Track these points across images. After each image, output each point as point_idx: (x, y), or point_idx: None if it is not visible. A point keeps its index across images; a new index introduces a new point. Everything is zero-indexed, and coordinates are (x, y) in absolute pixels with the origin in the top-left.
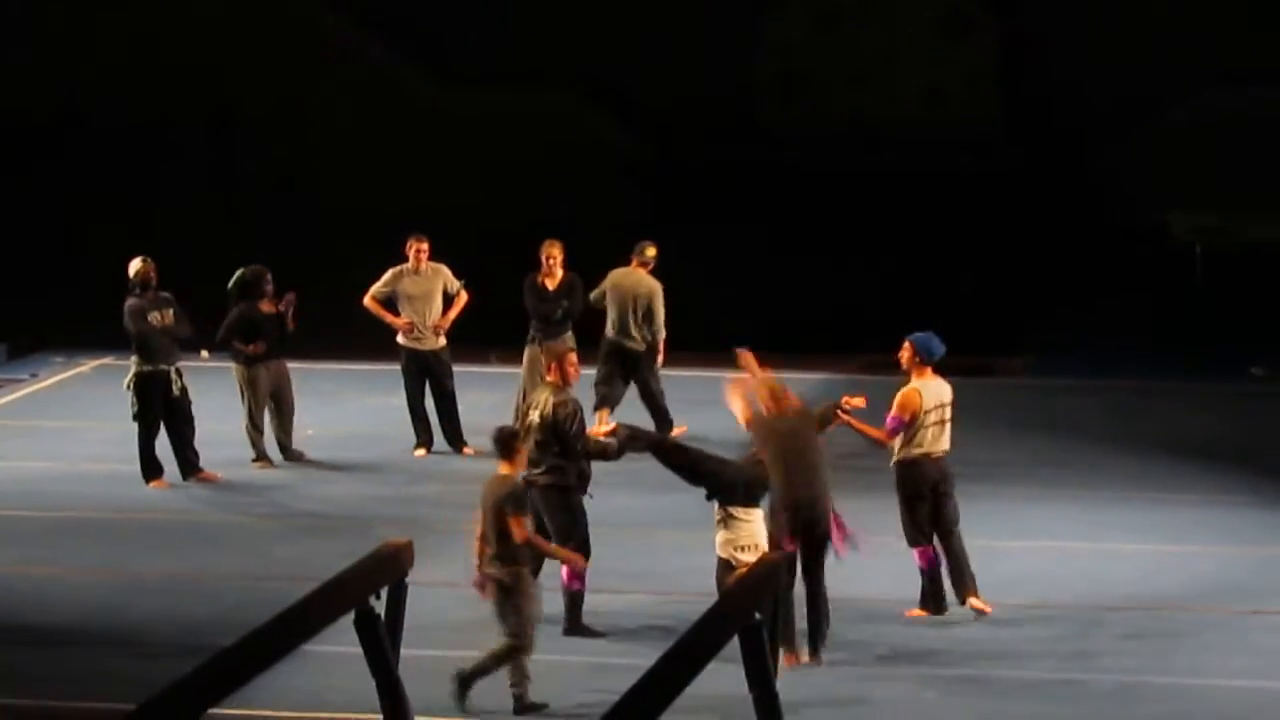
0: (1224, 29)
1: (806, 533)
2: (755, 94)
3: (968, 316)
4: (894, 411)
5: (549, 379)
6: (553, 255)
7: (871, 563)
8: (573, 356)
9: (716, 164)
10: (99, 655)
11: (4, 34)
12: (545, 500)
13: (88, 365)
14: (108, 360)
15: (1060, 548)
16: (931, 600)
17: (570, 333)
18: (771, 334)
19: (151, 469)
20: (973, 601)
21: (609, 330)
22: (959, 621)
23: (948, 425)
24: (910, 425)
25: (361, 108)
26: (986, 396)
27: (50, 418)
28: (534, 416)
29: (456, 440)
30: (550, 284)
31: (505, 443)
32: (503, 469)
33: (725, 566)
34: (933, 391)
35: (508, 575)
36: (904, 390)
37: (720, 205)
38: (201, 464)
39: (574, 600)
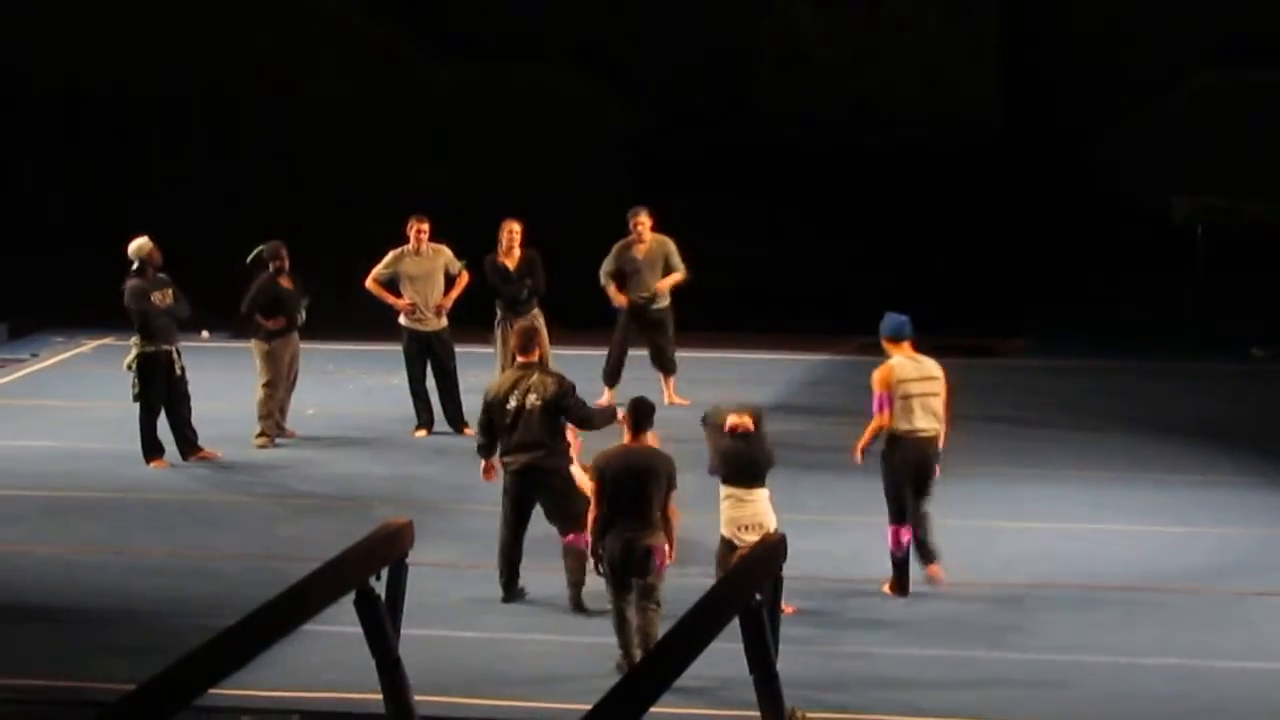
0: (1227, 8)
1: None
2: (756, 72)
3: (968, 297)
4: (874, 391)
5: (525, 359)
6: (513, 231)
7: (874, 543)
8: (544, 332)
9: (715, 142)
10: (100, 634)
11: (9, 12)
12: (550, 482)
13: (88, 345)
14: (108, 340)
15: (1060, 529)
16: (897, 583)
17: (538, 309)
18: (769, 315)
19: (153, 449)
20: (932, 569)
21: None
22: (959, 602)
23: (934, 402)
24: (890, 399)
25: (358, 83)
26: (987, 377)
27: (51, 397)
28: (533, 400)
29: (458, 421)
30: (510, 263)
31: (649, 414)
32: (652, 440)
33: (728, 546)
34: (910, 367)
35: (661, 542)
36: (879, 367)
37: (718, 184)
38: (200, 441)
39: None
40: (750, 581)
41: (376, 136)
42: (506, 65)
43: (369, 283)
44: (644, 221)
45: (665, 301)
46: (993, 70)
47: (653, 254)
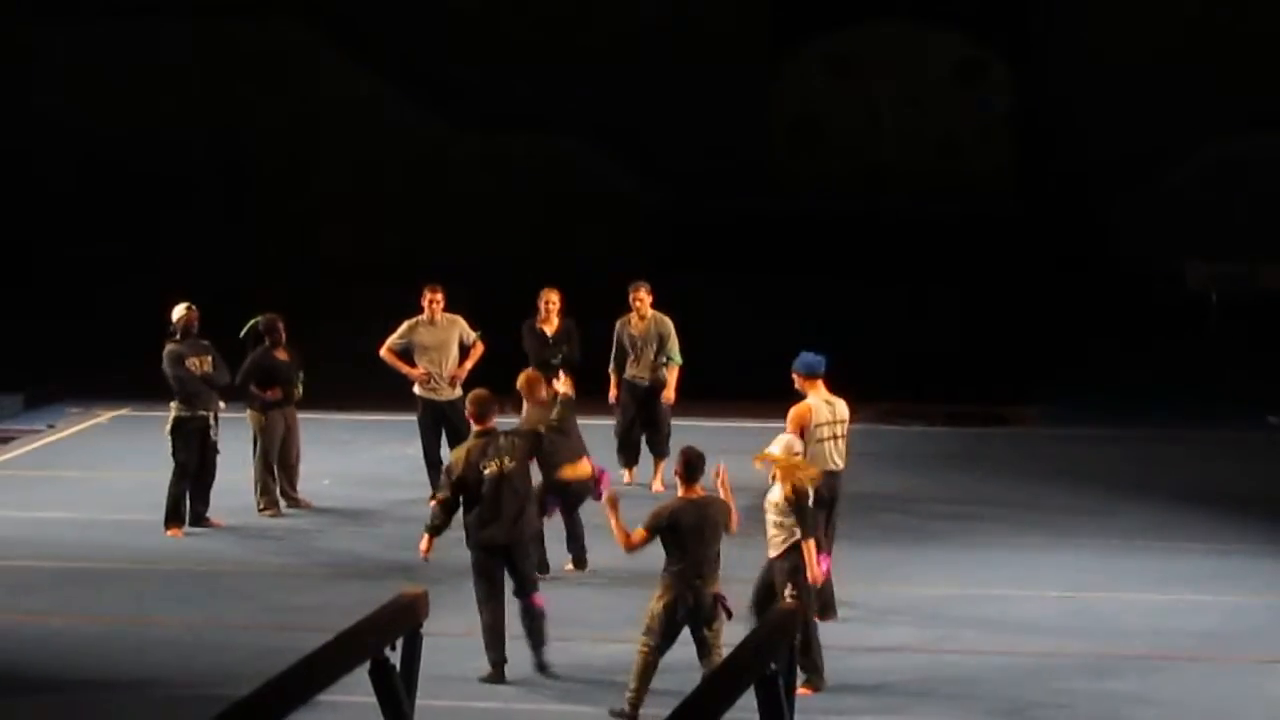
0: (1243, 75)
1: None
2: (772, 142)
3: (981, 365)
4: (788, 427)
5: (482, 426)
6: (551, 301)
7: (895, 608)
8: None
9: (730, 212)
10: (115, 706)
11: (32, 83)
12: (528, 551)
13: (104, 415)
14: (124, 411)
15: (1076, 596)
16: (830, 607)
17: (567, 379)
18: (785, 383)
19: (174, 516)
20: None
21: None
22: (975, 669)
23: (841, 442)
24: (804, 437)
25: (372, 154)
26: (1000, 445)
27: (67, 468)
28: (508, 463)
29: None
30: (548, 329)
31: (700, 464)
32: (701, 491)
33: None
34: (825, 410)
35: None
36: (796, 406)
37: (733, 254)
38: (209, 512)
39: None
40: (766, 650)
41: (386, 204)
42: (519, 135)
43: (384, 352)
44: (643, 298)
45: (661, 380)
46: (1007, 140)
47: (649, 333)
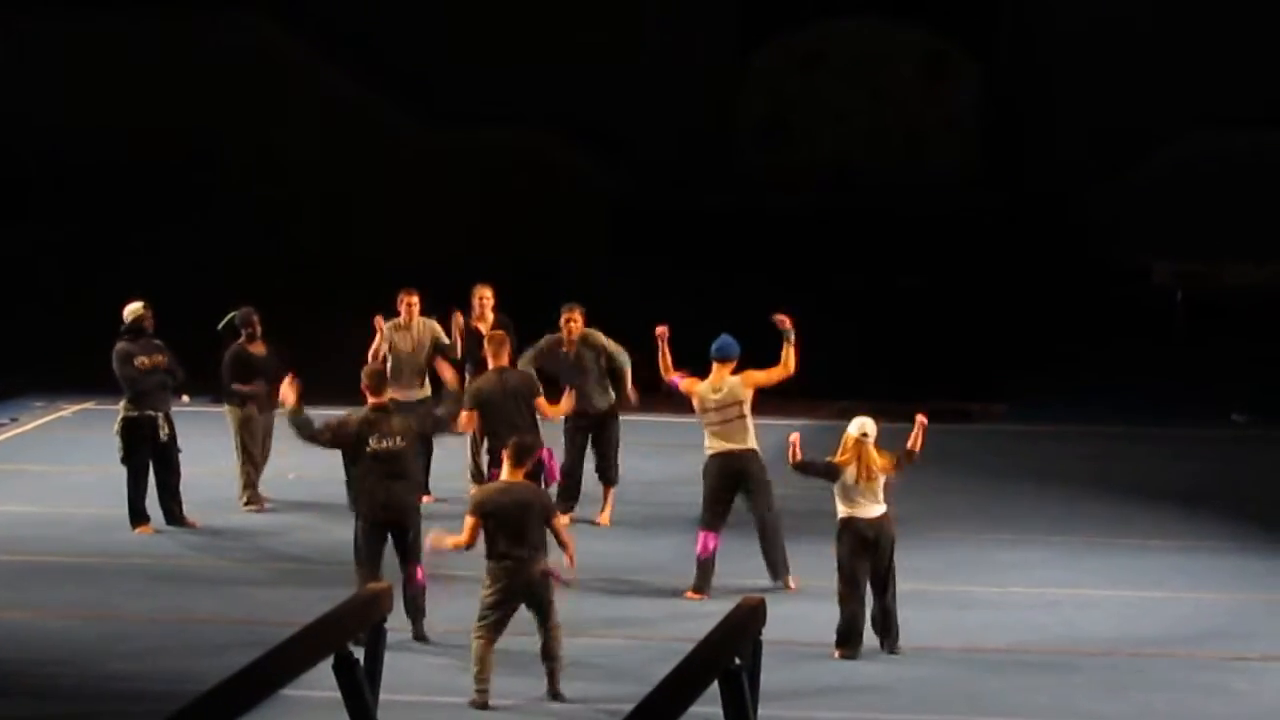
0: (1206, 73)
1: None
2: (738, 137)
3: (947, 362)
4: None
5: (377, 400)
6: (484, 297)
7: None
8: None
9: (696, 208)
10: (79, 699)
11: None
12: (416, 521)
13: (69, 409)
14: (89, 405)
15: (1039, 593)
16: (703, 582)
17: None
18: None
19: (138, 516)
20: (787, 579)
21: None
22: (938, 667)
23: (746, 421)
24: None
25: (342, 150)
26: (966, 443)
27: (31, 461)
28: (399, 442)
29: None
30: (483, 327)
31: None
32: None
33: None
34: (712, 397)
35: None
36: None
37: (698, 250)
38: (184, 510)
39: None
40: (730, 645)
41: (352, 201)
42: (487, 130)
43: (376, 364)
44: (577, 319)
45: (606, 402)
46: (974, 136)
47: (583, 357)
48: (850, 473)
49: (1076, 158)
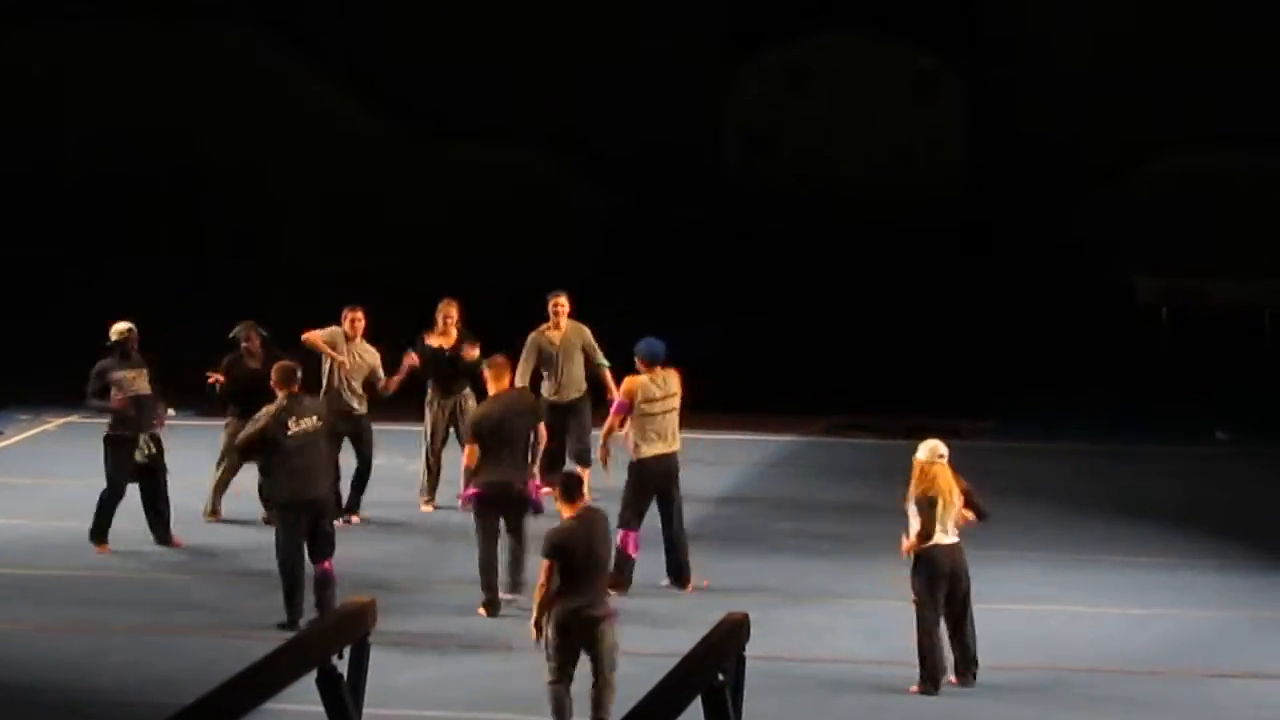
0: (1192, 92)
1: None
2: (724, 152)
3: (933, 379)
4: (619, 397)
5: (289, 390)
6: (449, 315)
7: (839, 624)
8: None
9: (683, 222)
10: (63, 713)
11: None
12: (329, 512)
13: (53, 423)
14: (73, 417)
15: (1025, 610)
16: (623, 578)
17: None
18: (735, 395)
19: (99, 532)
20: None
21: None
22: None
23: (671, 419)
24: (632, 410)
25: (327, 163)
26: (952, 459)
27: (15, 474)
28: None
29: (353, 507)
30: (446, 343)
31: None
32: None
33: None
34: (655, 387)
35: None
36: (627, 378)
37: (686, 265)
38: (170, 531)
39: None
40: (714, 660)
41: (339, 215)
42: (475, 145)
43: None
44: (563, 305)
45: (579, 391)
46: (959, 153)
47: (569, 342)
48: (942, 501)
49: (1062, 174)
